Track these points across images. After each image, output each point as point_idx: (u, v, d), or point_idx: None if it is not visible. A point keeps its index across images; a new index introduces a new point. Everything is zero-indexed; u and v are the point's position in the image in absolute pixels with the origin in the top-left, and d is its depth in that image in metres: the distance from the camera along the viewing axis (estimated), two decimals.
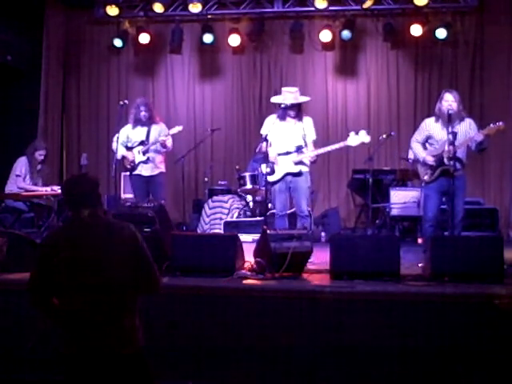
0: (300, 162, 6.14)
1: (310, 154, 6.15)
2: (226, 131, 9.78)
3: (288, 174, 6.15)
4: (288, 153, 6.16)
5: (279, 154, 6.16)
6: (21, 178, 7.54)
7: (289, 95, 6.21)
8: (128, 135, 7.18)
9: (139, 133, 7.16)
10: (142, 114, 7.10)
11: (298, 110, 6.20)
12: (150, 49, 9.86)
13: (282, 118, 6.19)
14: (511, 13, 9.04)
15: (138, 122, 7.15)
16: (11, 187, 7.57)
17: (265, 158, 6.19)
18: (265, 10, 9.50)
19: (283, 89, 6.42)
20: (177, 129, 7.19)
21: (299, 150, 6.16)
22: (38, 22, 9.55)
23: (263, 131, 6.28)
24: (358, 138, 6.14)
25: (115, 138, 7.04)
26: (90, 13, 9.82)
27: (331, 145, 6.38)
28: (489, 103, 9.13)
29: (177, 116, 9.80)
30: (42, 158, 7.69)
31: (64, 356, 2.85)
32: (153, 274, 2.94)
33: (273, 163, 6.14)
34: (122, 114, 7.41)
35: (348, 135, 6.23)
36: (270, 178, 6.19)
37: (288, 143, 6.17)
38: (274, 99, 6.49)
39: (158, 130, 7.15)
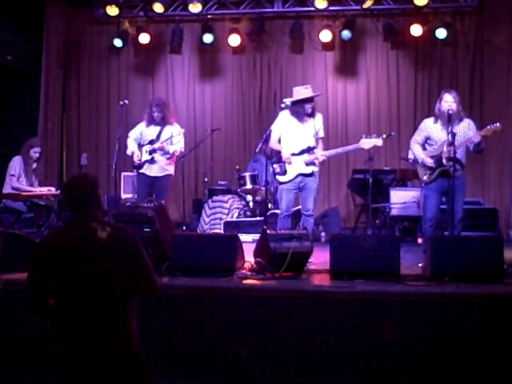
0: (311, 163, 6.12)
1: (321, 153, 6.14)
2: (226, 131, 9.77)
3: (300, 174, 6.12)
4: (300, 153, 6.12)
5: (292, 154, 6.12)
6: (15, 178, 7.41)
7: (304, 90, 6.16)
8: (142, 132, 7.25)
9: (151, 131, 7.20)
10: (155, 114, 7.16)
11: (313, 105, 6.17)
12: (149, 49, 9.86)
13: (299, 114, 6.10)
14: (511, 13, 9.04)
15: (151, 121, 7.21)
16: (6, 187, 7.48)
17: (276, 155, 6.17)
18: (265, 10, 9.51)
19: (295, 88, 6.28)
20: None
21: (311, 150, 6.14)
22: (38, 21, 9.54)
23: (274, 127, 6.20)
24: (371, 141, 6.12)
25: (130, 134, 7.23)
26: (90, 13, 9.83)
27: (344, 147, 6.42)
28: (489, 103, 9.13)
29: (177, 116, 9.78)
30: (37, 155, 7.54)
31: (60, 356, 2.85)
32: (151, 276, 2.95)
33: (284, 163, 6.11)
34: (122, 114, 7.43)
35: (361, 137, 6.19)
36: (282, 178, 6.16)
37: (300, 143, 6.12)
38: (288, 99, 6.28)
39: (171, 131, 7.18)
